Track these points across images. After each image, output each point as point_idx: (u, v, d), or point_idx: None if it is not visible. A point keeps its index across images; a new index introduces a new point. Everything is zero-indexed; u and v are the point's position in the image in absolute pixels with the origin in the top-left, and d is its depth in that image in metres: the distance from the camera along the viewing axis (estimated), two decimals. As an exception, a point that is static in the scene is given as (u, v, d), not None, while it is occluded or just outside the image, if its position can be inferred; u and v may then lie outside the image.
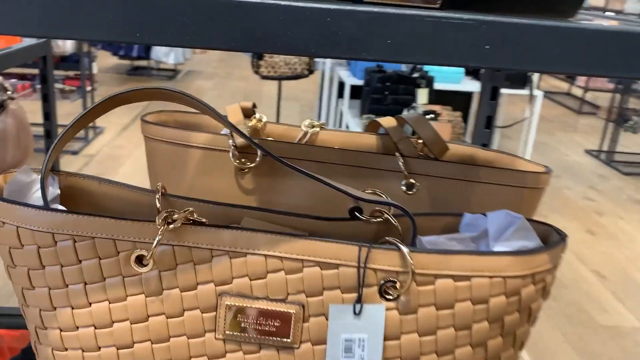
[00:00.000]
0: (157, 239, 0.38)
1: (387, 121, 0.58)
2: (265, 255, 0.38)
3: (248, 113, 0.60)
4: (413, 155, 0.54)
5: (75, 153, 3.11)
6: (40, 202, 0.41)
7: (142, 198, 0.45)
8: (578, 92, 5.48)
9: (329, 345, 0.37)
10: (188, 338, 0.39)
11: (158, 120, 0.61)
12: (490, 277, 0.38)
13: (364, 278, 0.37)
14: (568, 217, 2.63)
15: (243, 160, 0.54)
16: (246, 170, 0.55)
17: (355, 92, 3.07)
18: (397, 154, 0.54)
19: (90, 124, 3.35)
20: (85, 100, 3.42)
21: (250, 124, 0.59)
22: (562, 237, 0.40)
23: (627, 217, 2.71)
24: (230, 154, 0.54)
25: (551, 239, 0.41)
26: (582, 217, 2.66)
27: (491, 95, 0.68)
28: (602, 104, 5.07)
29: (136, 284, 0.39)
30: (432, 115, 2.54)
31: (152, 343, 0.40)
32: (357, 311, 0.37)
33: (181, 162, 0.56)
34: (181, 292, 0.39)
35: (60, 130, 0.42)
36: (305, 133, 0.61)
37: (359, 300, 0.37)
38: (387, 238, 0.38)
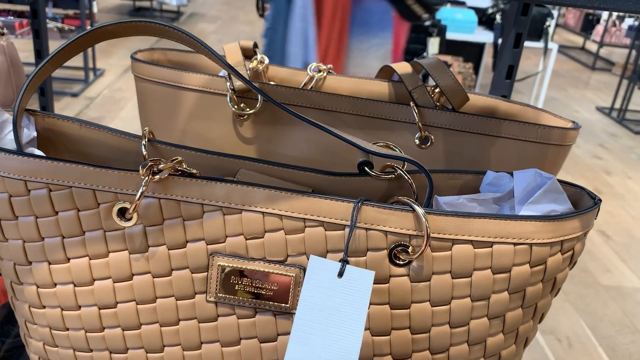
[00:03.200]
0: (140, 190, 0.33)
1: (401, 67, 0.53)
2: (263, 213, 0.34)
3: (248, 54, 0.55)
4: (429, 105, 0.49)
5: (75, 95, 3.05)
6: (13, 146, 0.36)
7: (128, 144, 0.41)
8: (593, 47, 5.33)
9: (308, 306, 0.33)
10: (176, 299, 0.36)
11: (150, 59, 0.55)
12: (515, 244, 0.33)
13: (350, 236, 0.33)
14: (576, 176, 2.58)
15: (242, 105, 0.50)
16: (245, 117, 0.50)
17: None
18: (411, 103, 0.49)
19: (90, 66, 3.27)
20: (85, 40, 3.30)
21: (250, 66, 0.54)
22: (595, 201, 0.36)
23: (635, 176, 2.66)
24: (228, 98, 0.49)
25: (582, 202, 0.37)
26: (590, 176, 2.61)
27: (515, 43, 0.62)
28: (617, 59, 4.93)
29: (119, 240, 0.35)
30: (443, 66, 2.45)
31: (137, 304, 0.36)
32: (341, 271, 0.33)
33: (174, 105, 0.51)
34: (169, 249, 0.35)
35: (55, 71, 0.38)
36: (311, 78, 0.56)
37: (345, 259, 0.33)
38: (399, 197, 0.34)
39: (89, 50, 3.26)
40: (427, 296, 0.35)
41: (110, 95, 3.11)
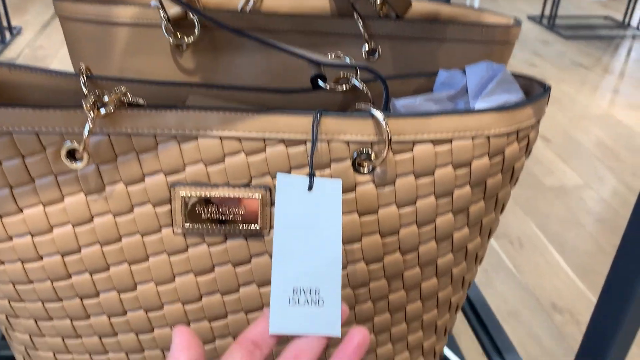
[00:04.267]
0: (87, 127, 0.32)
1: (340, -21, 0.51)
2: (220, 137, 0.33)
3: (179, -20, 0.52)
4: (373, 15, 0.48)
5: (-8, 58, 2.83)
6: (-62, 97, 0.34)
7: (66, 84, 0.38)
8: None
9: (280, 225, 0.33)
10: (142, 236, 0.35)
11: (72, -5, 0.51)
12: (473, 137, 0.34)
13: (313, 149, 0.33)
14: (513, 85, 2.64)
15: (179, 35, 0.47)
16: (184, 48, 0.48)
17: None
18: (355, 15, 0.48)
19: (5, 24, 3.04)
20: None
21: (183, -7, 0.51)
22: (545, 88, 0.36)
23: (569, 79, 2.76)
24: (163, 29, 0.47)
25: (533, 91, 0.38)
26: (527, 84, 2.68)
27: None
28: (543, -33, 4.98)
29: (72, 183, 0.34)
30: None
31: (101, 246, 0.35)
32: (310, 185, 0.33)
33: (106, 44, 0.48)
34: (126, 186, 0.34)
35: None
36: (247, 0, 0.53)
37: (312, 173, 0.33)
38: (358, 104, 0.34)
39: (0, 8, 3.03)
40: (393, 199, 0.35)
41: (32, 55, 2.92)
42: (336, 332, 0.32)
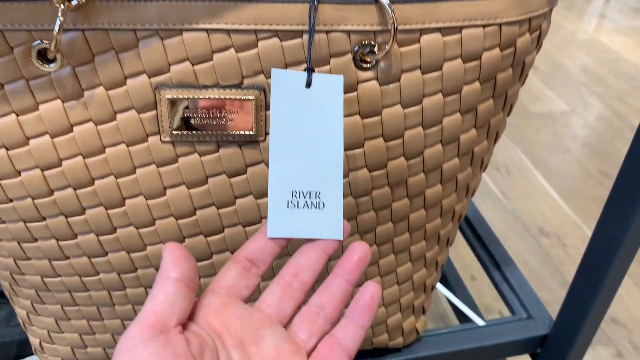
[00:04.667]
0: (57, 22, 0.28)
1: None
2: (207, 30, 0.30)
3: None
4: None
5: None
6: None
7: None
8: None
9: (277, 127, 0.30)
10: (127, 145, 0.32)
11: None
12: (484, 25, 0.31)
13: (310, 40, 0.30)
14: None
15: None
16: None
17: None
18: None
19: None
20: None
21: None
22: (559, -26, 0.33)
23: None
24: None
25: (546, -22, 0.35)
26: (513, 11, 2.62)
27: None
28: None
29: (46, 88, 0.31)
30: None
31: (83, 157, 0.32)
32: (308, 82, 0.30)
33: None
34: (107, 90, 0.31)
35: None
36: None
37: (311, 68, 0.30)
38: (358, -10, 0.30)
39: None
40: (398, 98, 0.33)
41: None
42: (338, 235, 0.30)
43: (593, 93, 1.94)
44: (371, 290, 0.30)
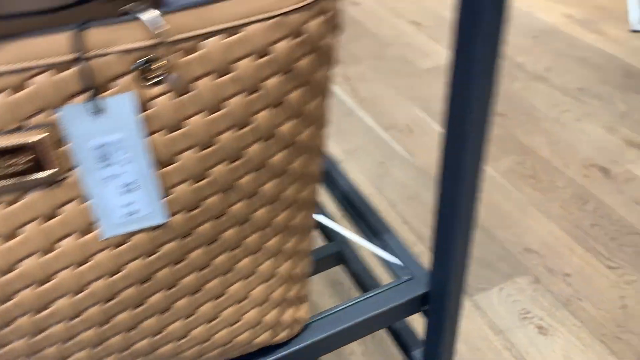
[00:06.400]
0: None
1: None
2: (-30, 77, 0.28)
3: None
4: None
5: None
6: None
7: None
8: None
9: (80, 160, 0.29)
10: None
11: None
12: (266, 19, 0.31)
13: (83, 68, 0.29)
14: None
15: None
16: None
17: None
18: None
19: None
20: None
21: None
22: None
23: (430, -39, 2.76)
24: None
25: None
26: (391, -28, 2.67)
27: None
28: None
29: None
30: None
31: None
32: (96, 109, 0.29)
33: None
34: None
35: None
36: None
37: (94, 95, 0.29)
38: (122, 9, 0.29)
39: None
40: (200, 106, 0.32)
41: None
42: (163, 219, 0.33)
43: (476, 39, 2.01)
44: None
